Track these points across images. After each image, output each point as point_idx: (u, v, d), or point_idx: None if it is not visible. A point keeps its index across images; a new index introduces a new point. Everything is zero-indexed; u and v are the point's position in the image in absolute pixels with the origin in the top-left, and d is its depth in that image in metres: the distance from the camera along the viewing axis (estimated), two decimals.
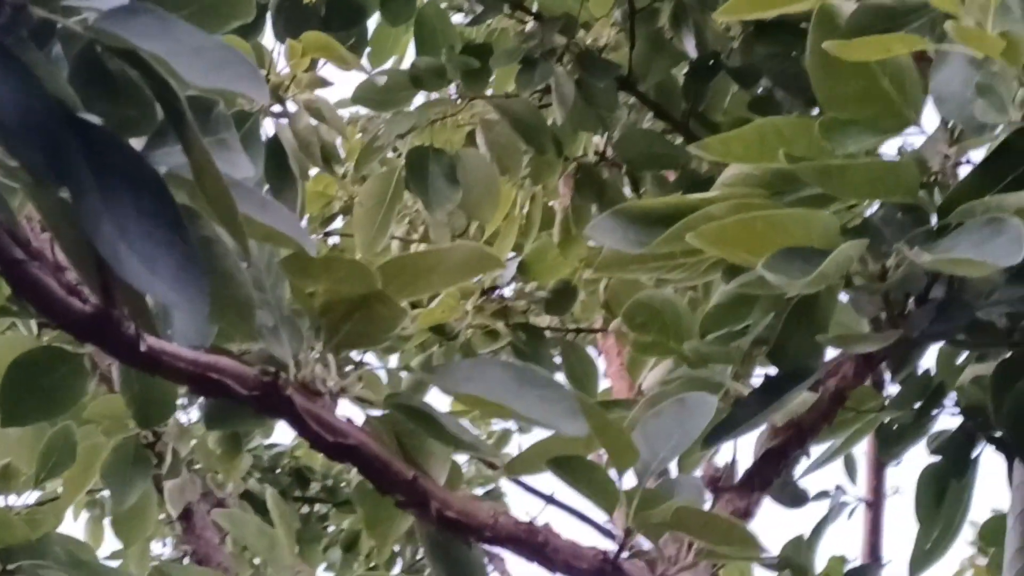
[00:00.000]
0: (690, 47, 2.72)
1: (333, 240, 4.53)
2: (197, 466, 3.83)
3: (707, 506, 1.26)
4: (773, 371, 1.57)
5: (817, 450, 2.26)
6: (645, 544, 1.30)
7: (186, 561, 3.58)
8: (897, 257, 1.43)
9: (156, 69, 0.98)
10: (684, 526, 1.19)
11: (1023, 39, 1.46)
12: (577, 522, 3.53)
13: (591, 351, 3.96)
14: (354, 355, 1.58)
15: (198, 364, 1.19)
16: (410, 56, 2.96)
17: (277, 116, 2.13)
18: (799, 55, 2.77)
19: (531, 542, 1.25)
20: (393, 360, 4.50)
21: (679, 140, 2.82)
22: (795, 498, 1.68)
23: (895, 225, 1.56)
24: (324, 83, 2.16)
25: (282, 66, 2.20)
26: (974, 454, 2.01)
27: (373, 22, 2.86)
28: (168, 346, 1.19)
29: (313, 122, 2.12)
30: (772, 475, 1.46)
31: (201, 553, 3.20)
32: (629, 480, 1.28)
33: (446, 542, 1.32)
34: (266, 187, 2.06)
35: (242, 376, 1.21)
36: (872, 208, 1.66)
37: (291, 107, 2.14)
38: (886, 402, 2.03)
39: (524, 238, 3.57)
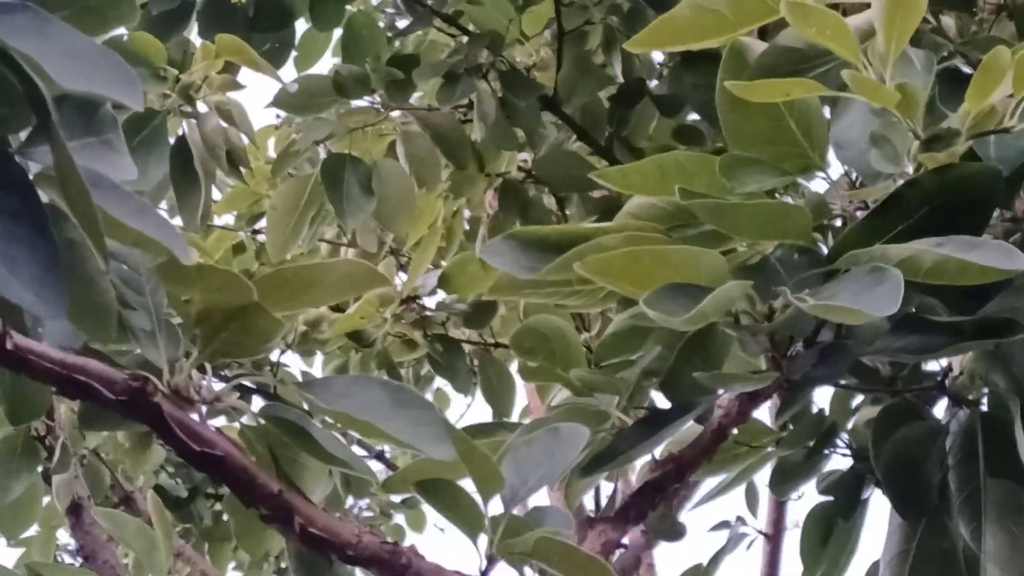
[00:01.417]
0: (617, 72, 2.73)
1: (262, 238, 4.52)
2: (108, 457, 3.79)
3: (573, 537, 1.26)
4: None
5: (712, 482, 2.28)
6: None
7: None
8: (784, 299, 1.43)
9: (25, 69, 0.97)
10: (544, 556, 1.19)
11: (919, 92, 1.48)
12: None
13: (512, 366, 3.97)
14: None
15: (65, 365, 1.18)
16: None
17: (187, 116, 2.12)
18: None
19: (394, 564, 1.25)
20: (316, 363, 4.49)
21: (604, 163, 2.83)
22: (673, 531, 1.68)
23: (790, 266, 1.57)
24: (236, 85, 2.14)
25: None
26: (863, 496, 2.03)
27: (301, 25, 2.85)
28: (36, 346, 1.18)
29: (222, 124, 2.10)
30: (648, 508, 1.46)
31: (88, 549, 3.17)
32: (498, 507, 1.28)
33: (312, 558, 1.31)
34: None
35: (110, 380, 1.20)
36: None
37: (202, 108, 2.13)
38: (780, 439, 2.04)
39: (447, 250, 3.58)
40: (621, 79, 2.78)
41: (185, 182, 2.06)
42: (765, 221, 1.52)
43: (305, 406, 1.35)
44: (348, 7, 2.69)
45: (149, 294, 1.28)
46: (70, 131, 1.14)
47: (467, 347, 3.88)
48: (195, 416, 1.25)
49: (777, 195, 1.67)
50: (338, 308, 4.14)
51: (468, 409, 7.03)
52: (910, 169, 1.51)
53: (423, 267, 3.48)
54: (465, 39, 2.66)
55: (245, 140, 2.16)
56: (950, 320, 1.38)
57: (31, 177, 1.09)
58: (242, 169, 2.17)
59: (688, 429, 1.64)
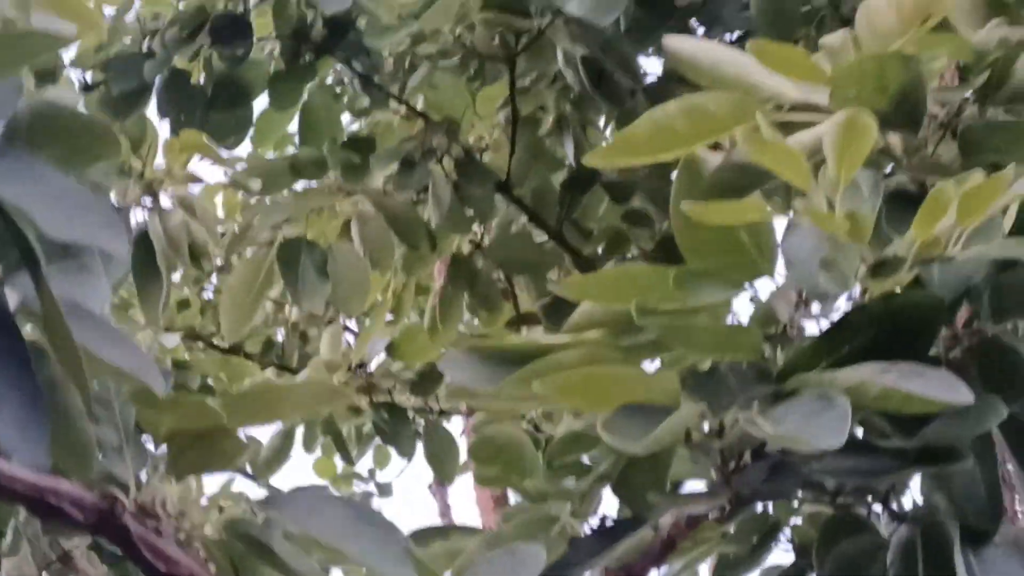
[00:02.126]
0: (569, 156, 2.78)
1: (208, 295, 4.53)
2: None
3: None
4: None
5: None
6: None
7: None
8: (734, 417, 1.48)
9: (11, 215, 1.00)
10: None
11: (867, 219, 1.54)
12: None
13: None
14: None
15: (38, 488, 1.20)
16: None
17: (149, 210, 2.15)
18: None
19: None
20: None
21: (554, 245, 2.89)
22: None
23: (740, 376, 1.62)
24: (197, 179, 2.17)
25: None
26: None
27: (260, 101, 2.88)
28: (6, 465, 1.20)
29: (184, 218, 2.13)
30: None
31: None
32: None
33: None
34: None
35: (80, 501, 1.22)
36: None
37: (164, 201, 2.16)
38: (724, 533, 2.09)
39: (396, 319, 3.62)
40: (572, 163, 2.84)
41: (147, 276, 2.08)
42: (717, 340, 1.57)
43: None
44: (306, 88, 2.74)
45: (117, 409, 1.30)
46: (48, 255, 1.17)
47: (412, 412, 3.91)
48: (162, 533, 1.28)
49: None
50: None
51: (407, 467, 7.04)
52: (857, 292, 1.56)
53: (372, 336, 3.51)
54: (423, 122, 2.70)
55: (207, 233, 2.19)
56: (895, 446, 1.43)
57: (12, 311, 1.11)
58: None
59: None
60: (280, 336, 4.36)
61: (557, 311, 3.08)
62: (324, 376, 3.38)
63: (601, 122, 3.00)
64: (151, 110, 2.66)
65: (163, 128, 2.57)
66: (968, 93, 1.86)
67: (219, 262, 3.69)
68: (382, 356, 3.63)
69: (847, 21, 2.89)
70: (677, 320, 1.61)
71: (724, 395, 1.54)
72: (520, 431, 1.67)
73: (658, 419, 1.42)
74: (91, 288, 1.18)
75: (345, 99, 2.92)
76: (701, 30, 3.33)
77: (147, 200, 2.11)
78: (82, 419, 1.11)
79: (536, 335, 2.08)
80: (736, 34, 3.23)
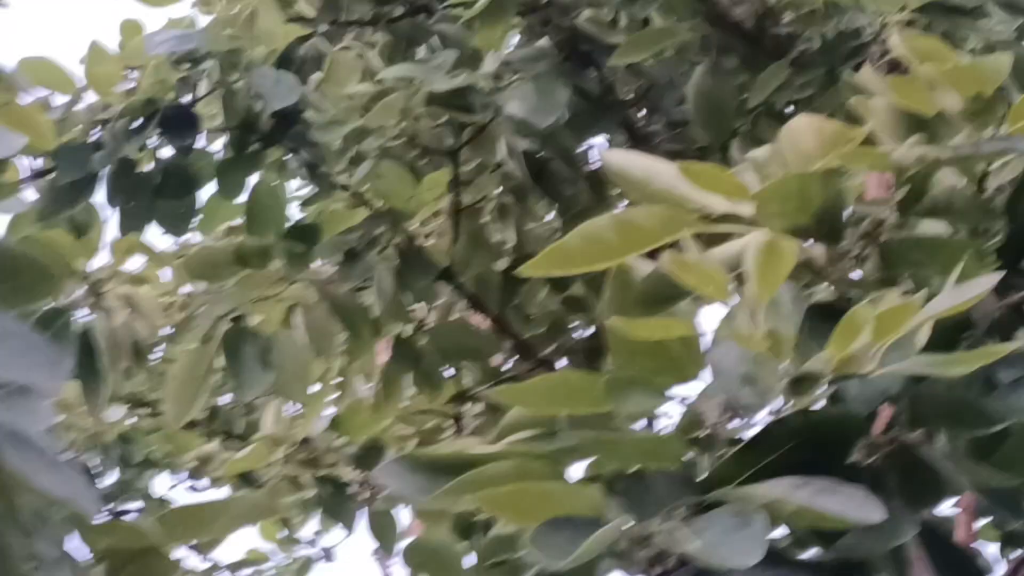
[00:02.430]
0: (511, 244, 2.84)
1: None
2: None
3: None
4: None
5: None
6: None
7: None
8: (657, 529, 1.53)
9: None
10: None
11: (788, 336, 1.60)
12: None
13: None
14: None
15: None
16: None
17: (92, 310, 2.18)
18: None
19: None
20: None
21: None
22: None
23: (664, 486, 1.67)
24: (142, 281, 2.21)
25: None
26: None
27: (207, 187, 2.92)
28: None
29: (127, 317, 2.17)
30: None
31: None
32: None
33: None
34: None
35: None
36: None
37: (108, 301, 2.20)
38: None
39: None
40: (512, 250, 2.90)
41: (90, 375, 2.12)
42: (641, 450, 1.62)
43: None
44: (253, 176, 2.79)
45: (54, 524, 1.34)
46: None
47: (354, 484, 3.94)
48: None
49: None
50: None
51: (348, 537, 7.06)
52: (778, 405, 1.62)
53: (317, 413, 3.55)
54: (368, 211, 2.76)
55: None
56: (812, 560, 1.49)
57: None
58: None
59: None
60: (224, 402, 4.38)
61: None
62: (263, 454, 3.41)
63: (543, 210, 3.07)
64: (99, 196, 2.70)
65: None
66: (891, 206, 1.93)
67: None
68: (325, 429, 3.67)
69: (781, 116, 2.99)
70: (604, 430, 1.68)
71: (649, 504, 1.59)
72: (451, 537, 1.71)
73: (585, 532, 1.47)
74: (28, 412, 1.22)
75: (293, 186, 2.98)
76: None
77: (90, 299, 2.15)
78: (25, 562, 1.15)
79: (469, 443, 2.13)
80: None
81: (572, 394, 1.77)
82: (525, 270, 1.82)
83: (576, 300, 2.94)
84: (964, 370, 1.59)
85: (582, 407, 1.75)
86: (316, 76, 2.66)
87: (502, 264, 2.95)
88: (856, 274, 1.94)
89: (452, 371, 3.44)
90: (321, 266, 2.80)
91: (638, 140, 3.24)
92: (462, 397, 3.50)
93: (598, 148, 3.08)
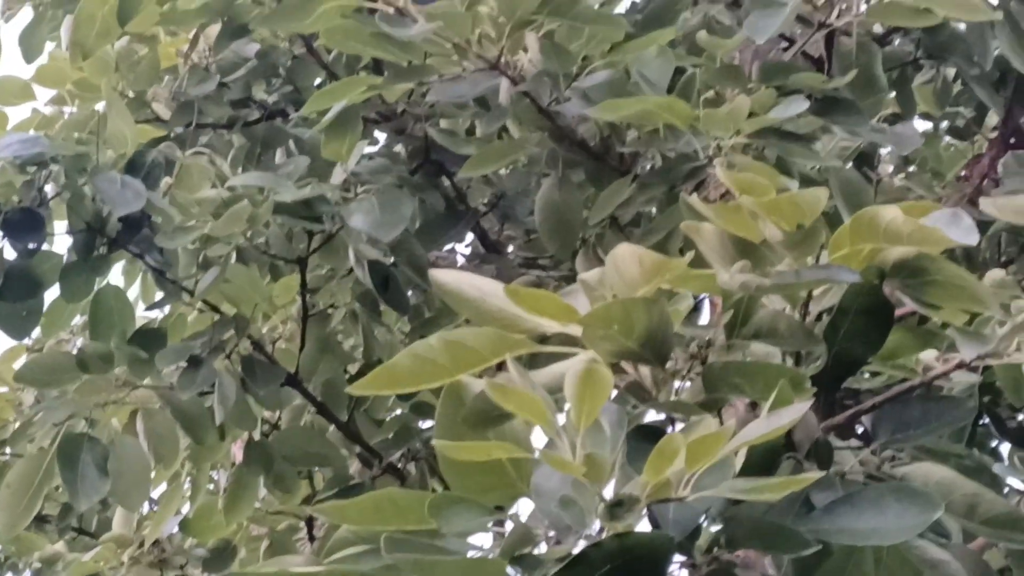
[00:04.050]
0: (359, 351, 2.86)
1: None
2: None
3: None
4: None
5: None
6: None
7: None
8: None
9: None
10: None
11: (605, 461, 1.64)
12: None
13: None
14: None
15: None
16: None
17: None
18: None
19: None
20: None
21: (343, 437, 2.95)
22: None
23: None
24: None
25: None
26: None
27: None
28: None
29: None
30: None
31: None
32: None
33: None
34: None
35: None
36: None
37: None
38: None
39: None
40: (360, 357, 2.91)
41: None
42: (464, 571, 1.64)
43: None
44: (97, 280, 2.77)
45: None
46: None
47: None
48: None
49: None
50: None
51: None
52: (596, 528, 1.65)
53: (168, 517, 3.51)
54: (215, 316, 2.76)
55: None
56: None
57: None
58: None
59: None
60: None
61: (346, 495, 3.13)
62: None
63: (393, 317, 3.10)
64: None
65: None
66: (717, 329, 1.99)
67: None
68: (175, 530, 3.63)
69: (626, 229, 3.06)
70: (428, 549, 1.69)
71: None
72: None
73: None
74: None
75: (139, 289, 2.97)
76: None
77: None
78: None
79: (292, 561, 2.14)
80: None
81: (398, 511, 1.79)
82: (354, 388, 1.84)
83: (425, 406, 2.96)
84: (773, 496, 1.64)
85: (408, 524, 1.77)
86: (166, 181, 2.67)
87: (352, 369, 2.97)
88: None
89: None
90: (169, 371, 2.79)
91: (490, 248, 3.29)
92: (315, 499, 3.49)
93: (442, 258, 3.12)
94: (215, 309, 2.80)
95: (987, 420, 3.36)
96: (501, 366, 1.79)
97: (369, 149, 3.16)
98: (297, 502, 3.53)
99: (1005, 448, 3.53)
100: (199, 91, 3.12)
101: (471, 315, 1.94)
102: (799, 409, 1.66)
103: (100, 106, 2.81)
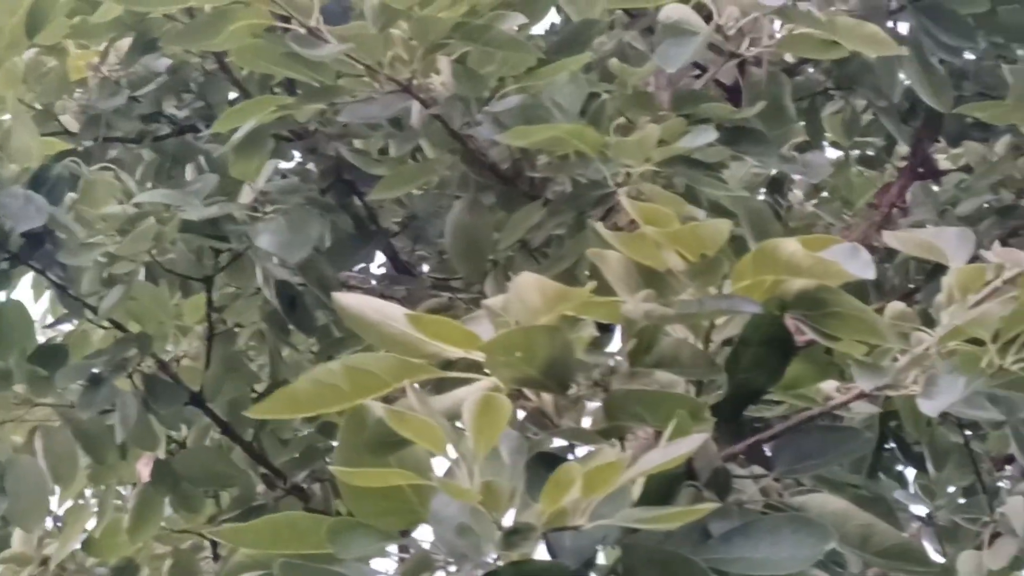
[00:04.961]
0: (264, 373, 2.84)
1: None
2: None
3: None
4: None
5: None
6: None
7: None
8: None
9: None
10: None
11: (503, 489, 1.64)
12: None
13: None
14: None
15: None
16: None
17: None
18: None
19: None
20: None
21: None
22: None
23: None
24: None
25: None
26: None
27: None
28: None
29: None
30: None
31: None
32: None
33: None
34: None
35: None
36: None
37: None
38: None
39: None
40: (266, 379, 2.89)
41: None
42: None
43: None
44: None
45: None
46: None
47: None
48: None
49: None
50: None
51: None
52: (492, 557, 1.65)
53: (74, 536, 3.46)
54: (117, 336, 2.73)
55: None
56: None
57: None
58: None
59: None
60: None
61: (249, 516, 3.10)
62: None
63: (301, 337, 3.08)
64: None
65: None
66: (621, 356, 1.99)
67: None
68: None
69: (534, 252, 3.07)
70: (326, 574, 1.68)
71: None
72: None
73: None
74: None
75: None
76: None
77: None
78: None
79: None
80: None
81: (297, 535, 1.78)
82: (254, 412, 1.83)
83: (331, 426, 2.94)
84: (670, 525, 1.65)
85: (307, 548, 1.76)
86: (71, 196, 2.64)
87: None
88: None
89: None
90: (70, 388, 2.75)
91: (402, 268, 3.28)
92: (219, 520, 3.46)
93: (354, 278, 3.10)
94: (120, 327, 2.77)
95: (893, 444, 3.41)
96: None
97: (285, 165, 3.14)
98: (203, 521, 3.49)
99: (911, 473, 3.57)
100: (108, 105, 3.09)
101: (374, 339, 1.93)
102: (697, 440, 1.67)
103: (6, 118, 2.77)
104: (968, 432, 3.23)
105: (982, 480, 3.15)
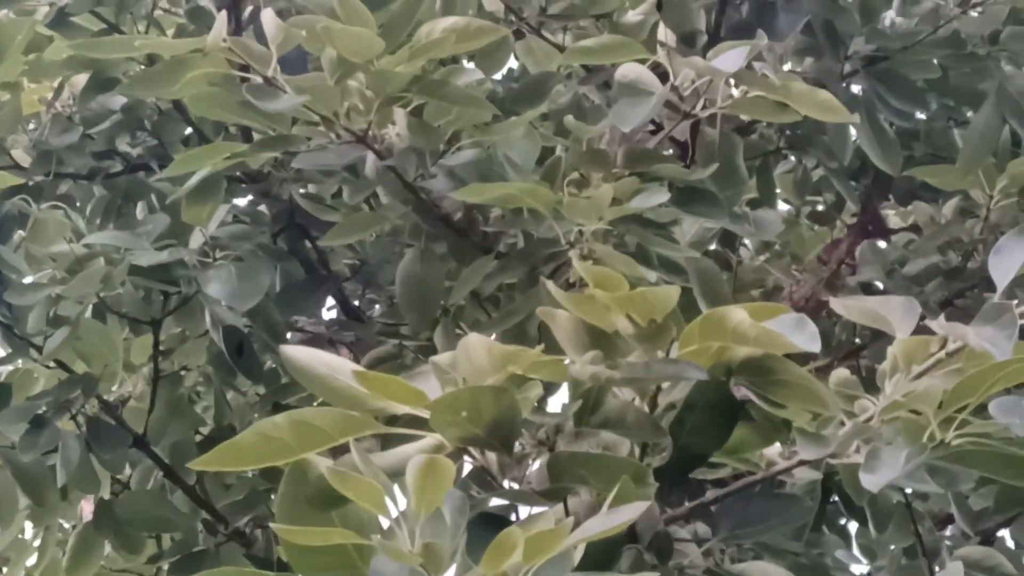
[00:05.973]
0: (209, 416, 2.82)
1: None
2: None
3: None
4: None
5: None
6: None
7: None
8: None
9: None
10: None
11: (444, 551, 1.64)
12: None
13: None
14: None
15: None
16: None
17: None
18: None
19: None
20: None
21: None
22: None
23: None
24: None
25: None
26: None
27: None
28: None
29: None
30: None
31: None
32: None
33: None
34: None
35: None
36: None
37: None
38: None
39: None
40: (211, 423, 2.88)
41: None
42: None
43: None
44: None
45: None
46: None
47: None
48: None
49: None
50: None
51: None
52: None
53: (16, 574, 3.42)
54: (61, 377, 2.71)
55: None
56: None
57: None
58: None
59: None
60: None
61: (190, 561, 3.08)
62: None
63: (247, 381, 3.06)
64: None
65: None
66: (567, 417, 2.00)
67: None
68: None
69: (484, 303, 3.07)
70: None
71: None
72: None
73: None
74: None
75: None
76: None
77: None
78: None
79: None
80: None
81: None
82: (197, 464, 1.82)
83: (275, 470, 2.91)
84: None
85: None
86: (19, 234, 2.62)
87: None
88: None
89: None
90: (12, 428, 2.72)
91: (351, 313, 3.28)
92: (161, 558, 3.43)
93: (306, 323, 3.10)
94: (65, 367, 2.75)
95: (836, 498, 3.43)
96: None
97: (239, 202, 3.13)
98: (143, 561, 3.46)
99: (854, 526, 3.58)
100: (61, 141, 3.07)
101: (320, 392, 1.93)
102: (639, 507, 1.68)
103: None
104: (909, 491, 3.25)
105: (922, 542, 3.17)
